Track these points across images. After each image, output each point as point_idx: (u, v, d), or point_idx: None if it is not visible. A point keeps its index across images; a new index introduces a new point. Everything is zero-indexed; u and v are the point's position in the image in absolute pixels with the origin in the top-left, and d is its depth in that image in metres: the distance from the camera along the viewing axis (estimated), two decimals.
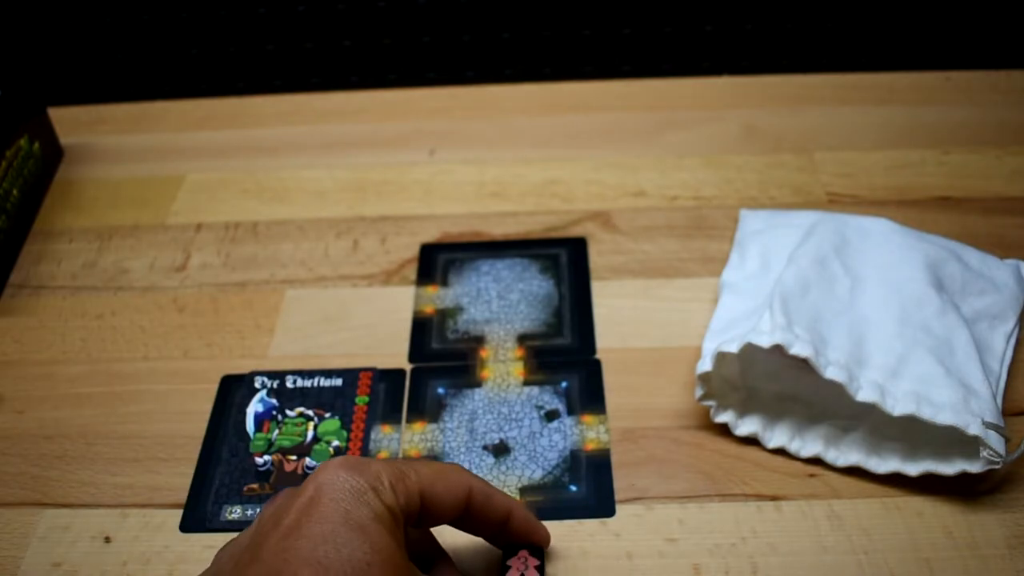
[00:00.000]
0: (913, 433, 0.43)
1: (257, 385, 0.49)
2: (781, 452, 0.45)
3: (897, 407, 0.41)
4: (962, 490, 0.43)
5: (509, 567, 0.39)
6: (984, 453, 0.40)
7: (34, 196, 0.61)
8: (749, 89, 0.67)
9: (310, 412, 0.48)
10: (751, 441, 0.45)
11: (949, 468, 0.42)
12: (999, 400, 0.44)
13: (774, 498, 0.43)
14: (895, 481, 0.43)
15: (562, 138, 0.64)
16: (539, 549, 0.40)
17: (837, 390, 0.42)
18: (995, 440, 0.40)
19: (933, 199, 0.58)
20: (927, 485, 0.43)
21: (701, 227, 0.57)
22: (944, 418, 0.40)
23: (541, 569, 0.39)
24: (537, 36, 0.69)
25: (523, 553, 0.40)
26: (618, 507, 0.43)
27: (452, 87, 0.69)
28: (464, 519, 0.38)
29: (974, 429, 0.40)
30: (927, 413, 0.41)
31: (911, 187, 0.58)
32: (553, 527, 0.43)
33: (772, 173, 0.60)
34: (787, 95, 0.66)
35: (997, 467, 0.40)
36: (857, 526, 0.42)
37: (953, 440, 0.41)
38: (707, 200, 0.58)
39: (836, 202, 0.58)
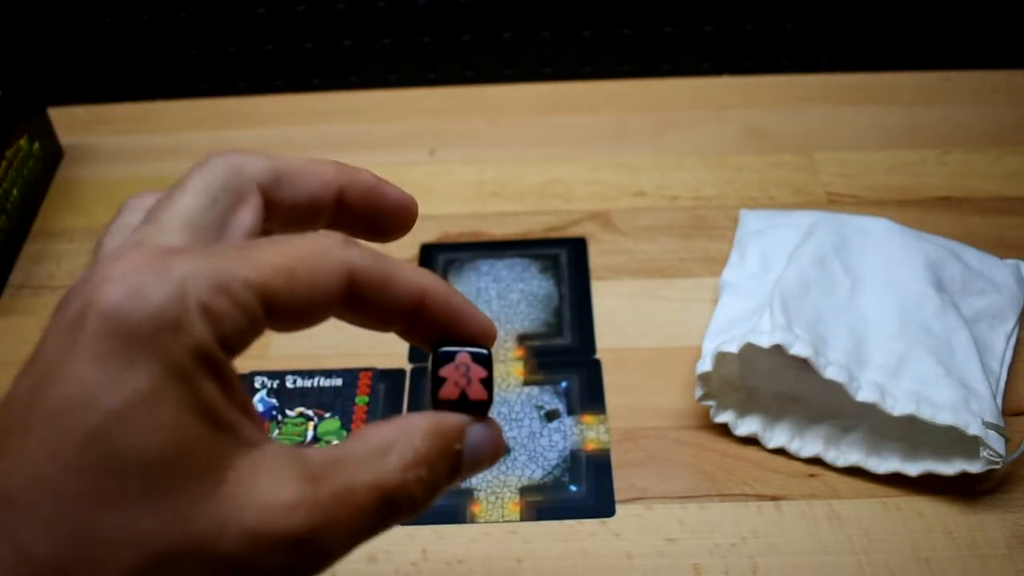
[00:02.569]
0: (913, 433, 0.43)
1: (257, 385, 0.49)
2: (781, 452, 0.45)
3: (897, 407, 0.41)
4: (962, 490, 0.43)
5: (443, 379, 0.26)
6: (984, 453, 0.40)
7: (34, 196, 0.61)
8: (749, 89, 0.67)
9: (310, 412, 0.48)
10: (751, 441, 0.45)
11: (949, 468, 0.42)
12: (999, 400, 0.44)
13: (774, 498, 0.43)
14: (895, 481, 0.43)
15: (562, 138, 0.64)
16: (484, 354, 0.26)
17: (837, 390, 0.42)
18: (995, 440, 0.40)
19: (933, 199, 0.58)
20: (927, 485, 0.43)
21: (701, 227, 0.57)
22: (944, 418, 0.40)
23: (488, 384, 0.26)
24: (537, 36, 0.69)
25: (463, 358, 0.26)
26: (618, 507, 0.43)
27: (452, 87, 0.69)
28: (352, 312, 0.25)
29: (974, 429, 0.40)
30: (927, 413, 0.41)
31: (911, 187, 0.58)
32: (553, 527, 0.43)
33: (772, 173, 0.60)
34: (787, 95, 0.66)
35: (997, 467, 0.40)
36: (857, 526, 0.42)
37: (953, 440, 0.42)
38: (707, 200, 0.58)
39: (836, 202, 0.58)
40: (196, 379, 0.21)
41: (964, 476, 0.42)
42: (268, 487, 0.21)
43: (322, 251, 0.23)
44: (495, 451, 0.26)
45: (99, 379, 0.20)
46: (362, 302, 0.24)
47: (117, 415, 0.20)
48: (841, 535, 0.42)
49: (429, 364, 0.26)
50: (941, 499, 0.43)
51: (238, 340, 0.22)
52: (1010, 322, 0.47)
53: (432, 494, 0.25)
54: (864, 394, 0.41)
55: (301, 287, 0.23)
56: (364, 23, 0.68)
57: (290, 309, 0.23)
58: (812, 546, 0.41)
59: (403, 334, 0.26)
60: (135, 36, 0.68)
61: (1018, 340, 0.48)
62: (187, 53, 0.69)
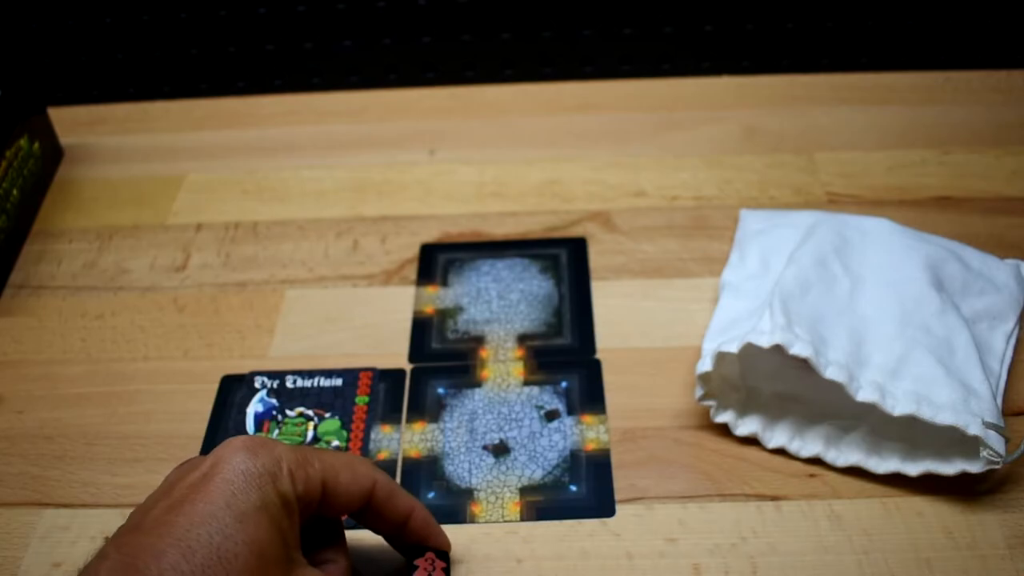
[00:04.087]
0: (913, 433, 0.43)
1: (257, 385, 0.49)
2: (781, 452, 0.45)
3: (897, 407, 0.41)
4: (962, 490, 0.43)
5: (416, 567, 0.39)
6: (984, 453, 0.40)
7: (34, 196, 0.61)
8: (749, 89, 0.67)
9: (310, 412, 0.48)
10: (751, 441, 0.45)
11: (949, 468, 0.42)
12: (999, 400, 0.44)
13: (774, 498, 0.43)
14: (895, 481, 0.43)
15: (562, 138, 0.64)
16: (444, 552, 0.40)
17: (837, 390, 0.42)
18: (995, 440, 0.40)
19: (933, 199, 0.58)
20: (927, 485, 0.43)
21: (701, 227, 0.57)
22: (944, 418, 0.40)
23: (447, 572, 0.40)
24: (537, 36, 0.69)
25: (430, 555, 0.40)
26: (618, 507, 0.43)
27: (452, 87, 0.69)
28: (365, 513, 0.38)
29: (974, 429, 0.40)
30: (927, 413, 0.41)
31: (911, 187, 0.58)
32: (553, 527, 0.43)
33: (772, 173, 0.60)
34: (787, 95, 0.66)
35: (997, 467, 0.40)
36: (857, 526, 0.42)
37: (953, 440, 0.42)
38: (707, 200, 0.58)
39: (836, 202, 0.58)
40: (280, 514, 0.33)
41: (964, 476, 0.42)
42: None
43: (363, 463, 0.37)
44: None
45: (226, 498, 0.32)
46: (372, 509, 0.38)
47: (236, 518, 0.32)
48: (841, 535, 0.42)
49: (407, 558, 0.40)
50: (941, 499, 0.43)
51: (304, 503, 0.35)
52: (1010, 322, 0.47)
53: None
54: (864, 394, 0.41)
55: (345, 482, 0.36)
56: (364, 23, 0.68)
57: (337, 493, 0.36)
58: (812, 546, 0.41)
59: (391, 540, 0.40)
60: (135, 36, 0.68)
61: (1018, 340, 0.48)
62: (187, 53, 0.69)
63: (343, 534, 0.38)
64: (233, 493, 0.33)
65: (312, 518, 0.36)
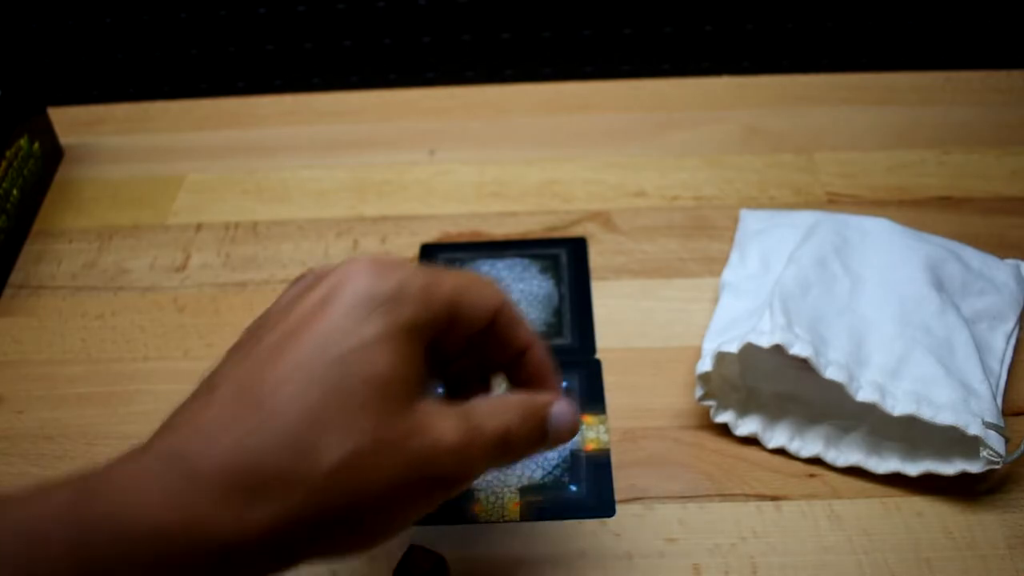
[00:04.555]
0: (913, 433, 0.43)
1: None
2: (781, 452, 0.45)
3: (897, 407, 0.41)
4: (962, 490, 0.43)
5: (403, 564, 0.39)
6: (984, 453, 0.40)
7: (34, 196, 0.61)
8: (749, 89, 0.67)
9: None
10: (751, 441, 0.45)
11: (949, 468, 0.42)
12: (999, 400, 0.44)
13: (774, 498, 0.43)
14: (895, 481, 0.43)
15: (562, 138, 0.64)
16: (437, 555, 0.40)
17: (837, 390, 0.42)
18: (995, 440, 0.40)
19: (933, 199, 0.58)
20: (927, 485, 0.43)
21: (701, 227, 0.57)
22: (944, 418, 0.40)
23: (432, 574, 0.39)
24: (537, 36, 0.69)
25: (421, 555, 0.40)
26: (618, 507, 0.43)
27: (452, 87, 0.69)
28: (487, 338, 0.35)
29: (974, 429, 0.40)
30: (927, 413, 0.41)
31: (911, 187, 0.58)
32: (553, 527, 0.43)
33: (772, 173, 0.60)
34: (787, 95, 0.66)
35: (997, 467, 0.40)
36: (857, 526, 0.42)
37: (953, 440, 0.42)
38: (707, 200, 0.58)
39: (836, 202, 0.58)
40: (406, 339, 0.31)
41: (964, 476, 0.42)
42: (438, 414, 0.31)
43: (487, 284, 0.35)
44: (572, 427, 0.36)
45: (346, 326, 0.30)
46: (495, 332, 0.35)
47: (354, 349, 0.30)
48: (841, 535, 0.42)
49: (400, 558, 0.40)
50: (941, 499, 0.43)
51: (431, 327, 0.32)
52: (1010, 322, 0.47)
53: (529, 449, 0.35)
54: (864, 394, 0.41)
55: (475, 298, 0.34)
56: (364, 23, 0.68)
57: (465, 313, 0.34)
58: (812, 546, 0.41)
59: (506, 372, 0.37)
60: (135, 36, 0.68)
61: (1018, 340, 0.48)
62: (187, 53, 0.69)
63: (483, 375, 0.38)
64: (357, 320, 0.30)
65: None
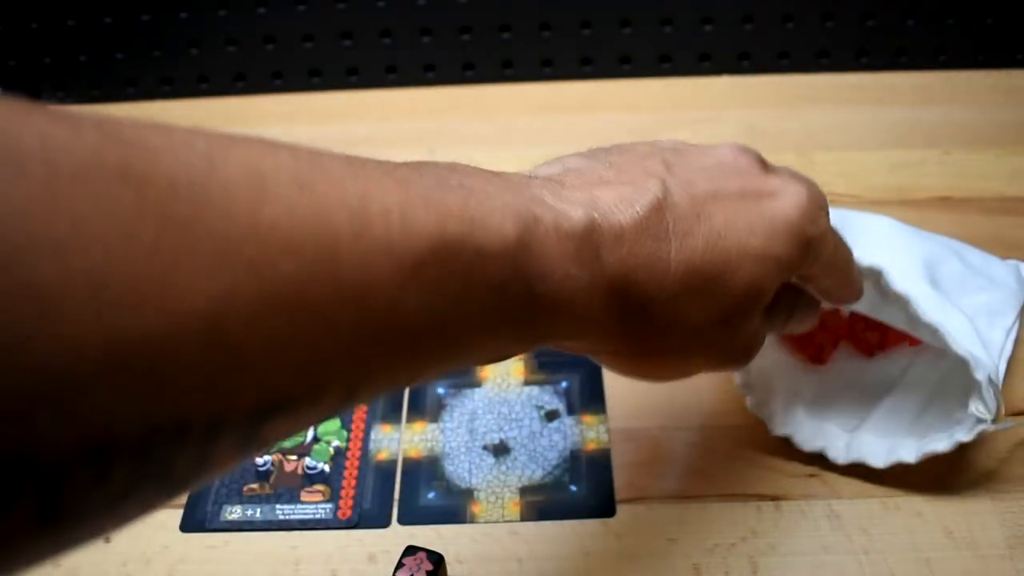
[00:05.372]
0: (916, 427, 0.43)
1: None
2: (781, 451, 0.45)
3: (928, 315, 0.41)
4: (962, 490, 0.43)
5: (403, 564, 0.39)
6: (973, 408, 0.40)
7: None
8: (749, 89, 0.67)
9: None
10: (751, 441, 0.45)
11: (945, 442, 0.41)
12: (999, 381, 0.43)
13: (774, 498, 0.43)
14: (895, 481, 0.43)
15: (562, 138, 0.64)
16: (437, 555, 0.40)
17: (840, 389, 0.42)
18: (991, 398, 0.40)
19: (933, 199, 0.58)
20: (927, 485, 0.43)
21: None
22: (959, 349, 0.40)
23: (432, 574, 0.40)
24: (537, 36, 0.69)
25: (421, 555, 0.40)
26: (618, 507, 0.43)
27: (452, 87, 0.69)
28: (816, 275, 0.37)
29: (980, 374, 0.39)
30: (950, 333, 0.40)
31: (911, 187, 0.58)
32: (553, 527, 0.43)
33: None
34: (787, 95, 0.66)
35: (986, 427, 0.40)
36: (857, 526, 0.42)
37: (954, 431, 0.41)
38: None
39: (836, 202, 0.57)
40: (793, 266, 0.33)
41: (965, 475, 0.42)
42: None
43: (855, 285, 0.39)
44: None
45: (758, 227, 0.32)
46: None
47: (757, 247, 0.32)
48: (841, 535, 0.42)
49: (401, 555, 0.40)
50: (941, 499, 0.43)
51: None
52: (1009, 317, 0.47)
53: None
54: (902, 288, 0.41)
55: (826, 288, 0.38)
56: (364, 23, 0.68)
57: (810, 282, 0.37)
58: (812, 546, 0.41)
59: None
60: (135, 36, 0.68)
61: (1018, 338, 0.48)
62: (187, 53, 0.69)
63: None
64: (789, 223, 0.32)
65: None
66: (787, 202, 0.33)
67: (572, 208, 0.29)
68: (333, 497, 0.44)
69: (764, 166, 0.35)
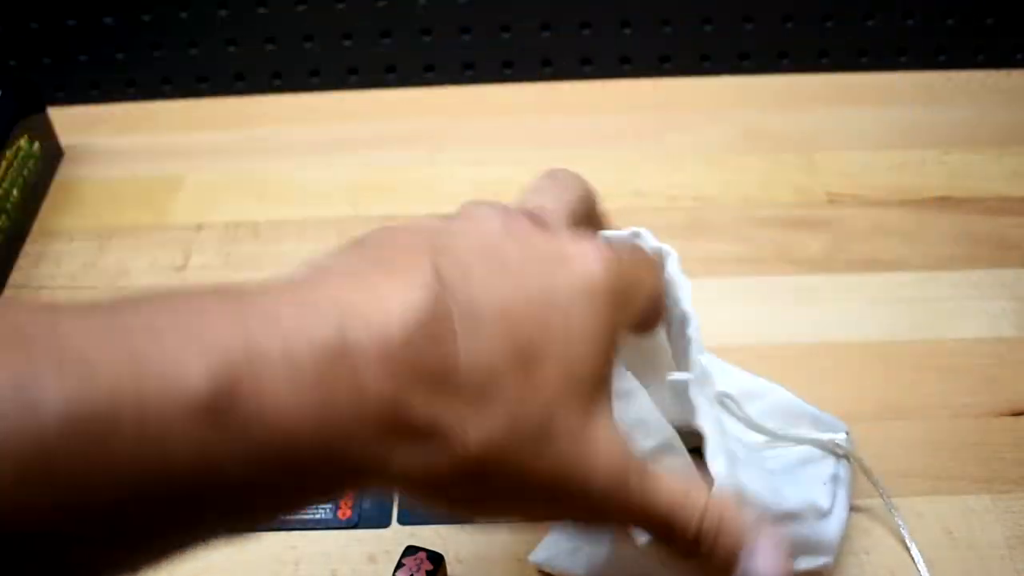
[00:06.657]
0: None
1: None
2: None
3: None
4: (962, 490, 0.43)
5: (403, 564, 0.40)
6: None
7: (34, 196, 0.61)
8: (749, 89, 0.67)
9: None
10: None
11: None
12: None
13: None
14: (895, 481, 0.43)
15: (562, 138, 0.64)
16: (437, 555, 0.40)
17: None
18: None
19: (933, 199, 0.58)
20: (927, 485, 0.43)
21: (701, 228, 0.57)
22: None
23: (432, 574, 0.40)
24: (537, 36, 0.69)
25: (421, 555, 0.40)
26: None
27: (452, 87, 0.69)
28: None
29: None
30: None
31: (911, 187, 0.58)
32: (553, 527, 0.43)
33: (772, 173, 0.60)
34: (787, 95, 0.66)
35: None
36: (857, 526, 0.42)
37: None
38: (707, 200, 0.58)
39: (836, 202, 0.58)
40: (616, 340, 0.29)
41: (965, 475, 0.42)
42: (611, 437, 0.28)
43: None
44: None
45: (566, 300, 0.28)
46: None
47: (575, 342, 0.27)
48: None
49: (401, 554, 0.40)
50: (941, 499, 0.43)
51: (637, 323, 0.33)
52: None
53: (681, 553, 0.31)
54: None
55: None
56: (364, 23, 0.68)
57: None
58: None
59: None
60: (135, 36, 0.68)
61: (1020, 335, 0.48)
62: (187, 53, 0.69)
63: None
64: (596, 305, 0.27)
65: None
66: (585, 263, 0.28)
67: (315, 323, 0.23)
68: None
69: (539, 225, 0.30)
